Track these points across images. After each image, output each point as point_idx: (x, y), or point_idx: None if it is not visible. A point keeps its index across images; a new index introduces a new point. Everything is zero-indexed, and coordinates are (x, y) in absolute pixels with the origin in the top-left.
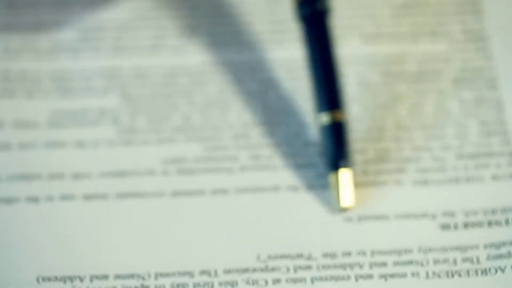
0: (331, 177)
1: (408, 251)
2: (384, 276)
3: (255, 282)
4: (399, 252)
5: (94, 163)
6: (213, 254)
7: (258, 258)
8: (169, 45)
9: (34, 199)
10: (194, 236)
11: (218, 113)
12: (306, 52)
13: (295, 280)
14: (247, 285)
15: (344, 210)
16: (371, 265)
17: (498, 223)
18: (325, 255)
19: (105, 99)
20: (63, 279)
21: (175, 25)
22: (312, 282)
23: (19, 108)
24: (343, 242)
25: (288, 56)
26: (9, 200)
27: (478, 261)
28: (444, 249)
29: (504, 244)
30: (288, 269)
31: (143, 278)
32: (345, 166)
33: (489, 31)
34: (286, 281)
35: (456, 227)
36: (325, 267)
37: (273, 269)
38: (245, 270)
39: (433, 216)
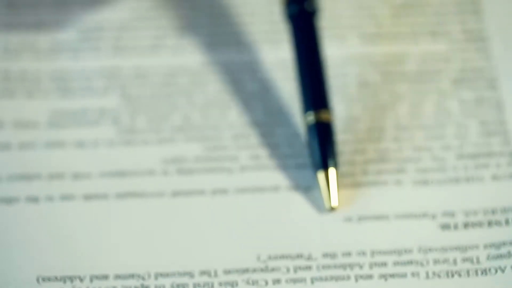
0: (319, 175)
1: (408, 251)
2: (384, 276)
3: (255, 283)
4: (399, 252)
5: (94, 163)
6: (213, 254)
7: (258, 258)
8: (169, 45)
9: (34, 199)
10: (194, 236)
11: (218, 113)
12: (293, 52)
13: (295, 280)
14: (247, 285)
15: (331, 209)
16: (371, 265)
17: (498, 223)
18: (325, 255)
19: (105, 99)
20: (63, 279)
21: (175, 25)
22: (312, 282)
23: (19, 108)
24: (343, 242)
25: (288, 56)
26: (9, 200)
27: (478, 261)
28: (444, 249)
29: (504, 244)
30: (288, 269)
31: (143, 278)
32: (331, 165)
33: (489, 31)
34: (286, 281)
35: (456, 227)
36: (325, 267)
37: (273, 269)
38: (245, 270)
39: (433, 216)
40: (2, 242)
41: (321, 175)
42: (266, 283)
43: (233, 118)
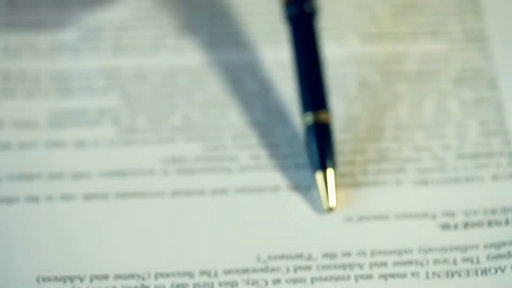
0: (317, 176)
1: (408, 251)
2: (384, 276)
3: (255, 283)
4: (399, 252)
5: (94, 163)
6: (213, 254)
7: (258, 258)
8: (169, 45)
9: (34, 199)
10: (194, 236)
11: (218, 113)
12: (292, 53)
13: (295, 281)
14: (247, 285)
15: (329, 210)
16: (371, 265)
17: (498, 223)
18: (325, 255)
19: (105, 99)
20: (63, 279)
21: (175, 25)
22: (312, 282)
23: (19, 108)
24: (343, 242)
25: (288, 56)
26: (9, 200)
27: (478, 261)
28: (444, 249)
29: (504, 244)
30: (288, 270)
31: (143, 278)
32: (329, 166)
33: (489, 31)
34: (286, 281)
35: (456, 227)
36: (325, 267)
37: (273, 270)
38: (245, 271)
39: (433, 216)
40: (2, 242)
41: (319, 176)
42: (266, 283)
43: (233, 118)
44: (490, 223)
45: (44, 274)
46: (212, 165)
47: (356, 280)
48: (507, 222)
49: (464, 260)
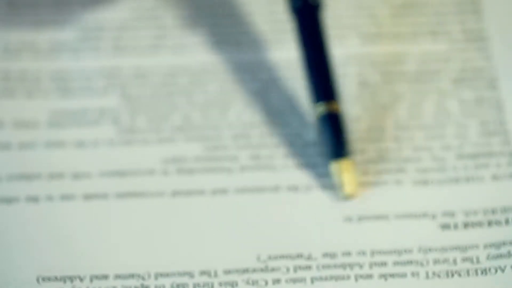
0: (333, 166)
1: (408, 251)
2: (384, 276)
3: (255, 283)
4: (399, 252)
5: (94, 163)
6: (213, 254)
7: (258, 258)
8: (169, 45)
9: (34, 199)
10: (194, 236)
11: (218, 113)
12: (299, 45)
13: (295, 280)
14: (247, 285)
15: (349, 197)
16: (371, 265)
17: (498, 223)
18: (325, 255)
19: (105, 99)
20: (63, 279)
21: (175, 25)
22: (312, 282)
23: (19, 108)
24: (343, 242)
25: (289, 56)
26: (9, 200)
27: (478, 261)
28: (444, 249)
29: (504, 244)
30: (288, 269)
31: (143, 278)
32: (346, 154)
33: (489, 31)
34: (286, 281)
35: (456, 227)
36: (325, 267)
37: (273, 269)
38: (245, 270)
39: (433, 216)
40: (2, 242)
41: (335, 165)
42: (266, 283)
43: (233, 118)
44: (490, 223)
45: (44, 274)
46: (212, 165)
47: (356, 279)
48: (507, 222)
49: (464, 260)
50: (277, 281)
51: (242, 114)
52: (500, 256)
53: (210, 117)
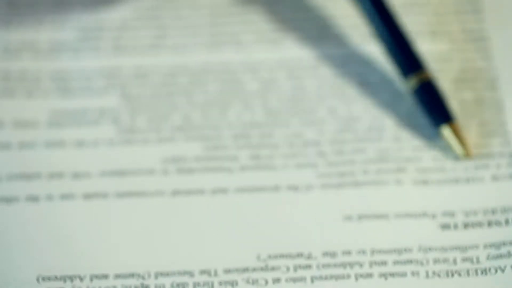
0: (445, 129)
1: (408, 250)
2: (384, 275)
3: (255, 282)
4: (399, 251)
5: (94, 162)
6: (213, 254)
7: (258, 257)
8: (169, 45)
9: (34, 199)
10: (194, 235)
11: (218, 112)
12: (374, 26)
13: (295, 280)
14: (247, 284)
15: (466, 157)
16: (371, 264)
17: (498, 223)
18: (325, 254)
19: (105, 99)
20: (63, 279)
21: (175, 25)
22: (312, 281)
23: (19, 107)
24: (343, 241)
25: (289, 55)
26: (9, 200)
27: (478, 261)
28: (444, 249)
29: (504, 244)
30: (288, 269)
31: (143, 278)
32: (453, 116)
33: (489, 31)
34: (286, 280)
35: (456, 227)
36: (325, 266)
37: (273, 269)
38: (245, 270)
39: (433, 216)
40: (2, 242)
41: (446, 128)
42: (266, 282)
43: (233, 117)
44: (490, 223)
45: (44, 274)
46: (212, 164)
47: (356, 279)
48: (507, 222)
49: (464, 259)
50: (277, 280)
51: (242, 113)
52: (500, 256)
53: (210, 116)
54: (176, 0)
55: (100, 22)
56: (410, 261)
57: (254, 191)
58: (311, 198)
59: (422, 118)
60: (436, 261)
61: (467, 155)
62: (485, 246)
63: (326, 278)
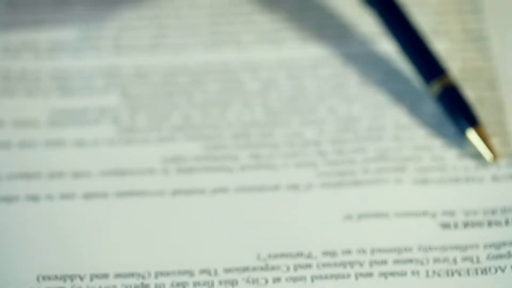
0: (471, 134)
1: (408, 249)
2: (384, 274)
3: (255, 281)
4: (399, 251)
5: (94, 162)
6: (213, 253)
7: (258, 257)
8: (169, 44)
9: (34, 198)
10: (194, 235)
11: (218, 112)
12: (391, 34)
13: (295, 279)
14: (247, 283)
15: (494, 160)
16: (371, 263)
17: (498, 223)
18: (325, 253)
19: (105, 98)
20: (63, 278)
21: (175, 25)
22: (312, 280)
23: (19, 107)
24: (343, 241)
25: (288, 55)
26: (9, 199)
27: (478, 261)
28: (444, 248)
29: (504, 244)
30: (288, 268)
31: (143, 277)
32: (478, 120)
33: (489, 31)
34: (286, 279)
35: (456, 226)
36: (325, 265)
37: (273, 268)
38: (245, 269)
39: (433, 215)
40: (2, 241)
41: (472, 132)
42: (266, 281)
43: (233, 117)
44: (490, 223)
45: (44, 273)
46: (212, 164)
47: (356, 278)
48: (507, 222)
49: (464, 259)
50: (277, 279)
51: (242, 113)
52: (500, 256)
53: (210, 116)
54: (176, 0)
55: (100, 21)
56: (410, 261)
57: (254, 190)
58: (311, 198)
59: (422, 117)
60: (436, 260)
61: (495, 158)
62: (485, 246)
63: (326, 277)
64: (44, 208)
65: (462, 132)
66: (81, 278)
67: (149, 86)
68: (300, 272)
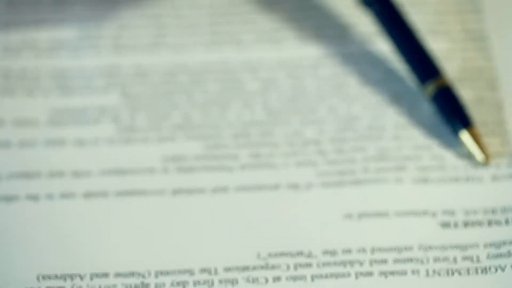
0: (464, 135)
1: (408, 248)
2: (384, 274)
3: (255, 280)
4: (399, 250)
5: (94, 161)
6: (213, 252)
7: (258, 256)
8: (169, 44)
9: (34, 197)
10: (194, 234)
11: (218, 111)
12: (387, 34)
13: (295, 278)
14: (247, 283)
15: (486, 162)
16: (371, 263)
17: (498, 223)
18: (325, 252)
19: (105, 97)
20: (63, 277)
21: (175, 24)
22: (312, 279)
23: (19, 106)
24: (343, 240)
25: (288, 55)
26: (9, 198)
27: (478, 260)
28: (444, 247)
29: (504, 243)
30: (288, 267)
31: (143, 276)
32: (472, 121)
33: (489, 30)
34: (286, 278)
35: (456, 225)
36: (325, 264)
37: (273, 267)
38: (245, 268)
39: (433, 214)
40: (2, 241)
41: (465, 133)
42: (266, 280)
43: (233, 116)
44: (490, 223)
45: (44, 272)
46: (212, 163)
47: (357, 277)
48: (507, 221)
49: (464, 258)
50: (277, 278)
51: (242, 112)
52: (500, 255)
53: (210, 115)
54: None
55: (100, 20)
56: (410, 260)
57: (254, 189)
58: (311, 197)
59: (422, 116)
60: (436, 259)
61: (487, 160)
62: (485, 245)
63: (326, 276)
64: (44, 207)
65: (455, 133)
66: (81, 278)
67: (149, 86)
68: (300, 271)
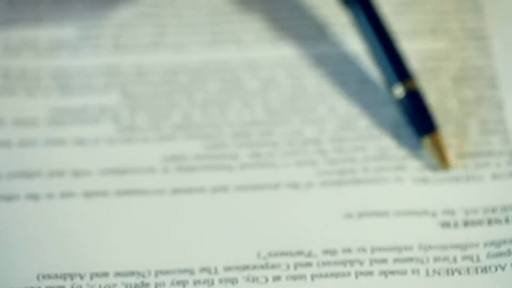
0: (425, 141)
1: (408, 248)
2: (384, 273)
3: (255, 279)
4: (399, 249)
5: (94, 160)
6: (213, 252)
7: (258, 255)
8: (169, 43)
9: (34, 197)
10: (194, 233)
11: (218, 111)
12: (362, 33)
13: (295, 277)
14: (247, 282)
15: (449, 168)
16: (371, 262)
17: (498, 222)
18: (325, 252)
19: (105, 97)
20: (63, 277)
21: (175, 23)
22: (312, 279)
23: (19, 105)
24: (343, 239)
25: (288, 54)
26: (9, 198)
27: (478, 259)
28: (444, 247)
29: (504, 242)
30: (288, 266)
31: (143, 276)
32: (436, 127)
33: (489, 29)
34: (286, 278)
35: (456, 225)
36: (325, 263)
37: (273, 266)
38: (245, 267)
39: (433, 214)
40: (2, 240)
41: (428, 139)
42: (266, 280)
43: (233, 116)
44: (490, 222)
45: (44, 272)
46: (212, 163)
47: (357, 276)
48: (507, 220)
49: (464, 258)
50: (277, 278)
51: (242, 112)
52: (500, 254)
53: (210, 115)
54: None
55: (100, 20)
56: (410, 259)
57: (254, 189)
58: (311, 196)
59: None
60: (436, 259)
61: (446, 166)
62: (485, 244)
63: (326, 275)
64: (44, 206)
65: (419, 137)
66: (81, 277)
67: (149, 85)
68: (300, 271)
